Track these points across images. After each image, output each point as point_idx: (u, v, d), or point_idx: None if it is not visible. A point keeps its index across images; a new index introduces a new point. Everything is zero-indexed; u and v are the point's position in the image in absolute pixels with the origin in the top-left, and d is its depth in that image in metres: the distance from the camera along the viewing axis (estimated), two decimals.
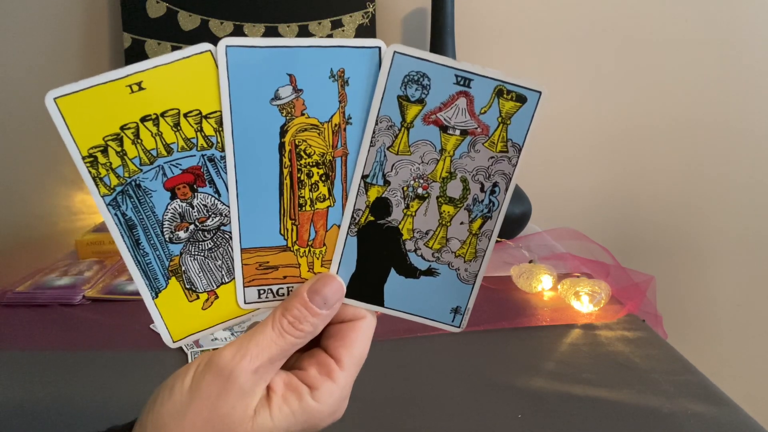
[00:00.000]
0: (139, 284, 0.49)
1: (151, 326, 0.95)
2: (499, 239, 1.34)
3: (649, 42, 1.72)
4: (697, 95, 1.76)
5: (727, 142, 1.79)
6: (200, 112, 0.47)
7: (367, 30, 1.55)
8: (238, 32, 1.50)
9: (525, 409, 0.76)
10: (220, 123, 0.47)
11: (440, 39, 1.48)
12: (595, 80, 1.74)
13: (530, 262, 1.19)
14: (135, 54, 1.53)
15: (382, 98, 0.48)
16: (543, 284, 1.11)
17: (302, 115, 0.48)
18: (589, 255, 1.26)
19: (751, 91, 1.76)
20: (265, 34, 1.51)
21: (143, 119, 0.46)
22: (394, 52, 0.47)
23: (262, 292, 0.51)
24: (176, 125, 0.47)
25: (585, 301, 1.03)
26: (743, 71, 1.75)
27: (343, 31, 1.54)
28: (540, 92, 0.49)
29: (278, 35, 1.52)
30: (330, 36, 1.53)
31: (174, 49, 1.50)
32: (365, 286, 0.52)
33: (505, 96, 0.48)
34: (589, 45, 1.71)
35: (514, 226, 1.38)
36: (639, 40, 1.71)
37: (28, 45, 1.61)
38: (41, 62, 1.62)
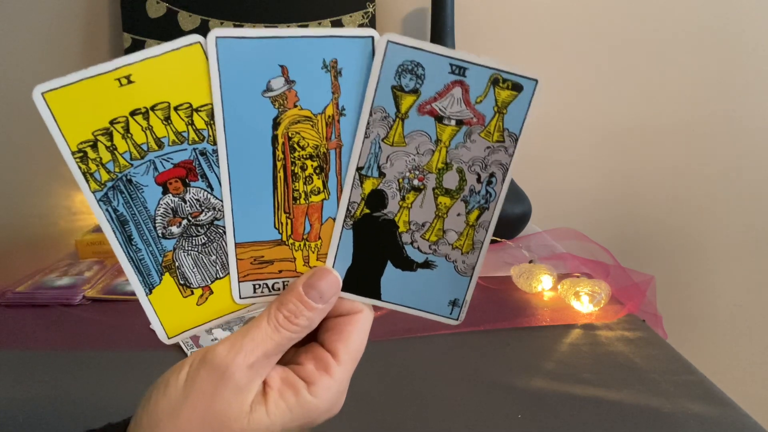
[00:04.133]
0: (133, 281, 0.49)
1: (150, 326, 0.95)
2: (499, 239, 1.34)
3: (649, 40, 1.72)
4: (697, 94, 1.76)
5: (727, 142, 1.79)
6: (191, 105, 0.46)
7: None
8: None
9: (525, 409, 0.76)
10: (211, 116, 0.47)
11: (440, 39, 1.48)
12: (595, 80, 1.73)
13: (530, 262, 1.19)
14: None
15: (376, 89, 0.47)
16: (543, 284, 1.11)
17: (295, 106, 0.47)
18: (589, 255, 1.26)
19: (751, 89, 1.76)
20: None
21: (133, 113, 0.46)
22: (388, 41, 0.46)
23: (257, 286, 0.51)
24: (167, 119, 0.46)
25: (585, 301, 1.02)
26: (744, 69, 1.75)
27: None
28: (536, 80, 0.48)
29: None
30: None
31: None
32: (362, 279, 0.51)
33: (500, 85, 0.48)
34: (589, 45, 1.71)
35: (514, 226, 1.37)
36: (639, 39, 1.71)
37: (28, 45, 1.61)
38: (41, 62, 1.62)
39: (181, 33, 1.47)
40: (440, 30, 1.48)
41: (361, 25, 1.55)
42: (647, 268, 1.16)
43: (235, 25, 1.51)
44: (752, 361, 1.94)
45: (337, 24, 1.54)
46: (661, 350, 0.90)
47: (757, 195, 1.83)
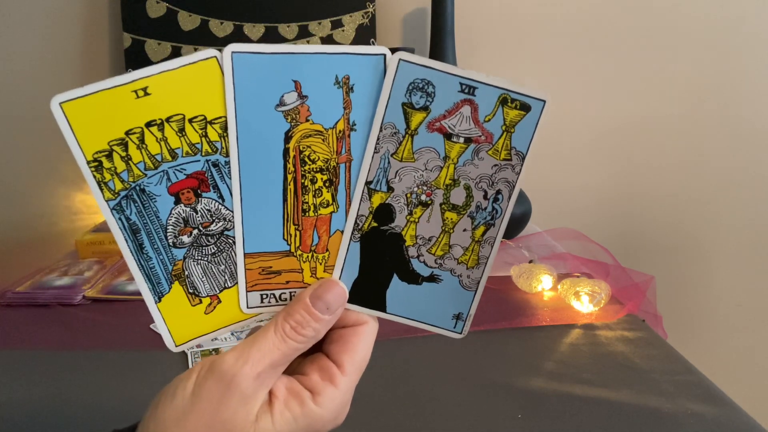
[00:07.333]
0: (143, 288, 0.50)
1: (151, 326, 0.96)
2: None
3: (649, 39, 1.72)
4: (697, 92, 1.76)
5: (727, 141, 1.80)
6: (205, 118, 0.47)
7: (367, 30, 1.55)
8: (238, 32, 1.50)
9: (525, 409, 0.76)
10: (224, 128, 0.47)
11: (440, 39, 1.48)
12: (594, 78, 1.74)
13: (530, 262, 1.19)
14: (135, 54, 1.53)
15: (387, 105, 0.48)
16: (543, 284, 1.11)
17: (307, 121, 0.48)
18: (589, 255, 1.26)
19: (753, 88, 1.76)
20: (265, 34, 1.51)
21: (148, 124, 0.46)
22: (399, 59, 0.47)
23: (264, 296, 0.52)
24: (181, 130, 0.47)
25: (585, 301, 1.03)
26: (745, 68, 1.75)
27: (343, 31, 1.54)
28: (544, 101, 0.49)
29: (278, 35, 1.52)
30: (330, 36, 1.53)
31: (174, 49, 1.51)
32: (368, 291, 0.52)
33: (509, 104, 0.48)
34: (588, 43, 1.71)
35: (514, 226, 1.38)
36: (638, 37, 1.72)
37: (29, 45, 1.61)
38: (41, 62, 1.62)
39: (181, 33, 1.49)
40: (440, 30, 1.48)
41: (361, 25, 1.55)
42: (647, 268, 1.16)
43: (235, 25, 1.51)
44: (752, 361, 1.94)
45: (337, 23, 1.54)
46: (661, 350, 0.90)
47: (758, 195, 1.83)
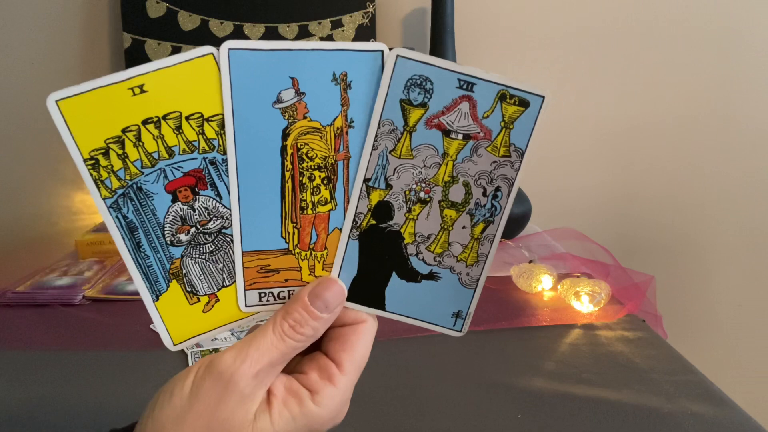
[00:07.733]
0: (140, 287, 0.49)
1: (151, 326, 0.95)
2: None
3: (648, 40, 1.72)
4: (697, 93, 1.76)
5: (727, 142, 1.80)
6: (202, 115, 0.47)
7: (367, 30, 1.55)
8: (238, 32, 1.50)
9: (525, 409, 0.76)
10: (222, 126, 0.47)
11: (440, 39, 1.48)
12: (594, 79, 1.74)
13: (530, 262, 1.19)
14: (135, 54, 1.53)
15: (385, 102, 0.48)
16: (543, 284, 1.11)
17: (304, 118, 0.48)
18: (589, 255, 1.26)
19: (751, 88, 1.76)
20: (265, 34, 1.51)
21: (145, 122, 0.46)
22: (397, 55, 0.47)
23: (263, 295, 0.51)
24: (178, 128, 0.47)
25: (585, 301, 1.03)
26: (744, 69, 1.75)
27: (343, 31, 1.54)
28: (543, 97, 0.49)
29: (278, 35, 1.52)
30: (330, 36, 1.53)
31: (174, 49, 1.51)
32: (367, 289, 0.52)
33: (508, 100, 0.48)
34: (588, 44, 1.71)
35: (514, 226, 1.38)
36: (638, 38, 1.71)
37: (28, 45, 1.61)
38: (41, 62, 1.62)
39: (181, 33, 1.49)
40: (440, 30, 1.48)
41: (360, 25, 1.55)
42: (647, 268, 1.16)
43: (235, 25, 1.51)
44: (752, 361, 1.94)
45: (337, 23, 1.54)
46: (661, 350, 0.90)
47: (758, 195, 1.83)
